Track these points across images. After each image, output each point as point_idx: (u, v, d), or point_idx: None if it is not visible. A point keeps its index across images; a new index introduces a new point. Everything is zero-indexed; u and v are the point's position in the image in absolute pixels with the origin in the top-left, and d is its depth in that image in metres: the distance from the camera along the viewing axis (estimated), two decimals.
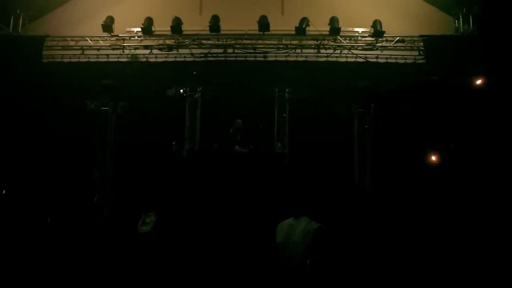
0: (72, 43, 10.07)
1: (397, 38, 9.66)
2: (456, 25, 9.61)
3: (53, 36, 9.97)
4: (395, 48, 9.75)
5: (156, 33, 9.88)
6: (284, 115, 9.98)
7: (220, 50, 9.92)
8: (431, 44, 9.27)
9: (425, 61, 9.43)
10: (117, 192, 9.96)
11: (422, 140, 8.76)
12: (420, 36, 9.47)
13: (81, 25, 10.38)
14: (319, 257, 3.67)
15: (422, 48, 9.51)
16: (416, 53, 9.67)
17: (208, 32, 9.68)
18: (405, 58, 9.77)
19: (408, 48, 9.72)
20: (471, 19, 9.25)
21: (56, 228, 7.89)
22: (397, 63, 9.77)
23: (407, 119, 9.12)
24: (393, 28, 9.66)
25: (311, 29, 9.56)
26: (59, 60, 10.09)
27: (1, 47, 9.39)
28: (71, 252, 6.25)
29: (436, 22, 9.81)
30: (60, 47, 10.05)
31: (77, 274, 5.21)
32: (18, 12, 10.02)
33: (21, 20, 10.09)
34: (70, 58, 10.12)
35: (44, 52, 9.81)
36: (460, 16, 9.49)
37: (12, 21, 9.98)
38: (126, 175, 9.80)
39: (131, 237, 7.80)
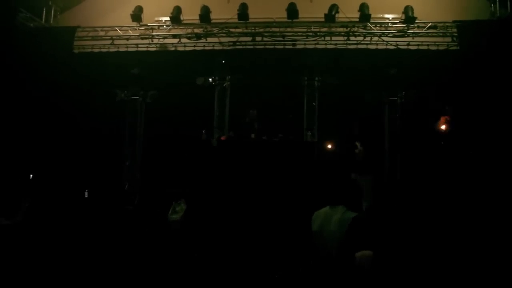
0: (102, 33, 10.17)
1: (429, 24, 9.37)
2: (492, 9, 9.22)
3: (84, 27, 10.10)
4: (427, 35, 9.47)
5: (185, 22, 9.86)
6: (314, 103, 9.91)
7: (249, 38, 9.83)
8: (465, 29, 8.93)
9: (458, 47, 9.12)
10: (147, 180, 10.12)
11: (454, 129, 8.57)
12: (454, 21, 9.12)
13: (111, 15, 10.45)
14: (351, 246, 3.62)
15: (456, 34, 9.19)
16: (449, 39, 9.38)
17: (236, 20, 9.60)
18: (438, 45, 9.48)
19: (440, 34, 9.43)
20: (508, 3, 8.89)
21: (88, 214, 8.03)
22: (429, 50, 9.48)
23: (438, 108, 8.95)
24: (425, 14, 9.38)
25: (340, 16, 9.36)
26: (90, 50, 10.22)
27: (34, 38, 9.56)
28: (100, 238, 6.34)
29: (471, 7, 9.45)
30: (90, 38, 10.18)
31: (105, 259, 5.29)
32: (50, 4, 10.19)
33: (52, 11, 10.26)
34: (100, 48, 10.23)
35: (75, 43, 9.96)
36: (497, 0, 9.12)
37: (44, 12, 10.15)
38: (156, 163, 9.93)
39: (160, 225, 7.90)
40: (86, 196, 9.03)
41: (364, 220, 3.62)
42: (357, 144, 9.00)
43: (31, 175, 8.79)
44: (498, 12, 9.08)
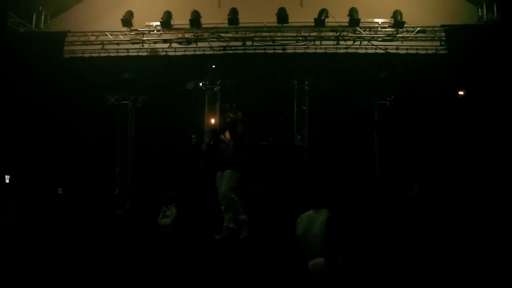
0: (92, 38, 10.19)
1: (418, 28, 9.47)
2: (480, 13, 9.35)
3: (74, 32, 10.09)
4: (416, 39, 9.58)
5: (175, 27, 9.91)
6: (304, 107, 9.95)
7: (239, 43, 9.89)
8: (453, 33, 9.02)
9: (447, 51, 9.22)
10: (138, 184, 10.10)
11: (445, 133, 8.62)
12: (442, 26, 9.22)
13: (101, 20, 10.49)
14: (329, 245, 3.65)
15: (444, 38, 9.29)
16: (437, 43, 9.49)
17: (226, 25, 9.66)
18: (426, 49, 9.60)
19: (429, 38, 9.54)
20: (495, 7, 9.00)
21: (77, 218, 8.02)
22: (418, 54, 9.61)
23: (428, 111, 9.00)
24: (413, 19, 9.50)
25: (330, 21, 9.46)
26: (80, 55, 10.21)
27: (24, 43, 9.54)
28: (90, 241, 6.34)
29: (458, 11, 9.58)
30: (80, 42, 10.19)
31: (95, 262, 5.29)
32: (40, 8, 10.14)
33: (43, 16, 10.22)
34: (90, 53, 10.23)
35: (65, 48, 9.90)
36: (484, 4, 9.21)
37: (34, 17, 10.11)
38: (147, 168, 9.92)
39: (151, 229, 7.89)
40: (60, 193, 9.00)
41: (337, 219, 3.67)
42: None
43: (7, 177, 8.71)
44: (485, 16, 9.20)
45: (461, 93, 8.42)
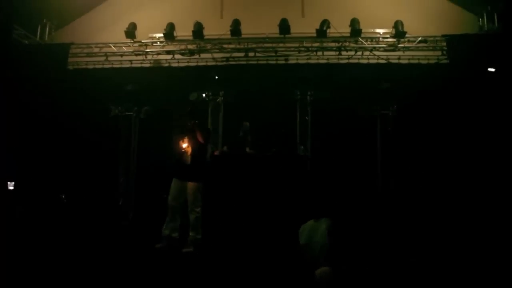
0: (96, 50, 10.27)
1: (419, 38, 9.53)
2: (480, 23, 9.39)
3: (78, 44, 10.17)
4: (417, 49, 9.63)
5: (178, 38, 9.99)
6: (306, 117, 9.99)
7: (242, 54, 9.95)
8: (454, 43, 9.06)
9: (448, 61, 9.26)
10: (141, 195, 10.11)
11: (447, 143, 8.63)
12: (443, 35, 9.26)
13: (105, 32, 10.56)
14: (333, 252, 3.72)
15: (445, 48, 9.33)
16: (439, 53, 9.53)
17: (229, 36, 9.73)
18: (428, 59, 9.63)
19: (430, 48, 9.59)
20: (495, 17, 9.06)
21: (82, 230, 8.04)
22: (419, 63, 9.64)
23: (431, 121, 9.02)
24: (415, 29, 9.55)
25: (332, 31, 9.51)
26: (84, 66, 10.31)
27: (29, 55, 9.63)
28: (94, 251, 6.37)
29: (459, 21, 9.64)
30: (84, 54, 10.27)
31: (99, 271, 5.31)
32: (44, 21, 10.25)
33: (47, 28, 10.31)
34: (94, 64, 10.33)
35: (70, 59, 10.00)
36: (484, 14, 9.26)
37: (39, 30, 10.23)
38: (150, 179, 9.93)
39: (155, 239, 7.88)
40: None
41: (337, 225, 3.74)
42: None
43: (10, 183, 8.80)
44: (486, 26, 9.25)
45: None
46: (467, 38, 9.00)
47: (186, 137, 6.71)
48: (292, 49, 9.86)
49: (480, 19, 9.44)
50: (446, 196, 8.13)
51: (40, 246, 6.45)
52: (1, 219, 7.46)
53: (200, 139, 6.66)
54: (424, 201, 8.45)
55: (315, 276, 3.55)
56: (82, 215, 8.87)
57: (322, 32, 9.48)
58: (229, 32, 9.65)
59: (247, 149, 8.80)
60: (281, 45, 9.88)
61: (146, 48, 10.19)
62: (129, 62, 10.29)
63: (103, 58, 10.26)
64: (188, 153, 6.68)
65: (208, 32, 9.81)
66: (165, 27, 9.82)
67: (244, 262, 5.83)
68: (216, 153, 8.95)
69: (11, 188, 8.79)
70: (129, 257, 6.21)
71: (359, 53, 9.76)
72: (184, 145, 6.67)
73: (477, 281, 4.70)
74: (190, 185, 6.60)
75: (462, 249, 6.08)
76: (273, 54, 9.92)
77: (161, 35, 9.95)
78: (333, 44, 9.74)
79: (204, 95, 10.27)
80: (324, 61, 9.90)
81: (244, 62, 10.01)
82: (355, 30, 9.40)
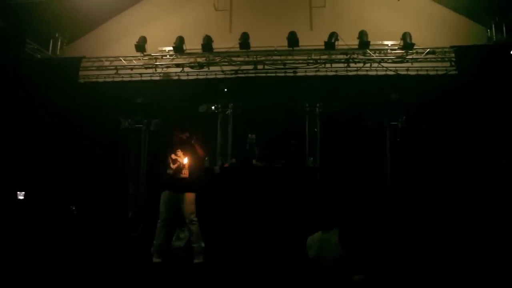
0: (106, 63, 10.41)
1: (428, 49, 9.54)
2: (489, 34, 9.40)
3: (89, 57, 10.33)
4: (426, 60, 9.63)
5: (188, 51, 10.07)
6: (315, 129, 10.00)
7: (250, 67, 10.03)
8: (462, 54, 9.04)
9: (457, 72, 9.25)
10: (151, 207, 10.12)
11: (456, 154, 8.59)
12: (451, 47, 9.26)
13: (115, 45, 10.70)
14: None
15: (454, 59, 9.34)
16: (447, 64, 9.54)
17: (238, 49, 9.80)
18: (437, 70, 9.63)
19: (439, 59, 9.59)
20: (504, 28, 9.05)
21: (91, 241, 8.09)
22: (428, 75, 9.64)
23: (440, 132, 9.00)
24: (423, 40, 9.55)
25: (340, 43, 9.53)
26: (95, 80, 10.45)
27: (41, 69, 9.76)
28: (104, 262, 6.41)
29: (468, 32, 9.63)
30: (95, 68, 10.42)
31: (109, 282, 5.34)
32: (56, 35, 10.45)
33: (59, 43, 10.50)
34: (104, 77, 10.47)
35: (80, 73, 10.13)
36: (493, 25, 9.26)
37: (51, 44, 10.43)
38: (160, 191, 9.94)
39: (164, 252, 7.89)
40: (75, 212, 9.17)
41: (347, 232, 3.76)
42: None
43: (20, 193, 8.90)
44: (494, 37, 9.24)
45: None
46: (476, 49, 8.99)
47: (180, 151, 6.76)
48: (301, 61, 9.91)
49: (489, 30, 9.44)
50: (455, 206, 8.07)
51: (51, 255, 6.51)
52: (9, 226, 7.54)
53: (201, 152, 6.79)
54: (434, 211, 8.40)
55: (353, 282, 3.61)
56: (92, 227, 8.92)
57: (330, 44, 9.51)
58: (238, 45, 9.71)
59: (254, 161, 8.81)
60: (289, 57, 9.93)
61: (155, 61, 10.31)
62: (139, 75, 10.40)
63: (113, 72, 10.39)
64: (186, 166, 6.72)
65: (217, 46, 9.90)
66: (174, 41, 9.90)
67: (254, 273, 5.82)
68: (226, 165, 8.98)
69: (21, 198, 8.88)
70: (138, 269, 6.24)
71: (368, 65, 9.78)
72: (185, 159, 6.71)
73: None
74: (189, 196, 6.62)
75: (475, 259, 6.03)
76: (282, 66, 9.97)
77: (171, 48, 10.04)
78: (341, 56, 9.78)
79: (213, 107, 10.35)
80: (333, 73, 9.94)
81: (253, 75, 10.08)
82: (363, 42, 9.42)
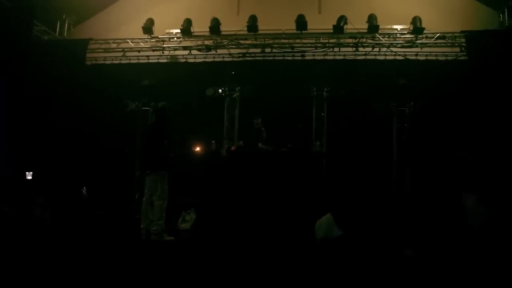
0: (114, 45, 10.38)
1: (438, 34, 9.39)
2: (501, 19, 9.25)
3: (96, 39, 10.30)
4: (435, 45, 9.51)
5: (195, 34, 10.02)
6: (322, 114, 9.98)
7: (258, 50, 9.97)
8: (473, 39, 8.89)
9: (467, 57, 9.11)
10: None
11: (465, 140, 8.53)
12: (462, 31, 9.11)
13: (123, 27, 10.71)
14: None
15: (464, 44, 9.17)
16: (457, 49, 9.41)
17: (246, 32, 9.74)
18: (446, 55, 9.54)
19: (449, 44, 9.46)
20: None
21: (99, 221, 8.18)
22: (437, 60, 9.55)
23: (448, 118, 8.93)
24: (433, 25, 9.43)
25: (349, 27, 9.44)
26: (102, 62, 10.44)
27: (48, 51, 9.76)
28: (110, 243, 6.47)
29: (479, 17, 9.49)
30: (102, 50, 10.39)
31: (115, 263, 5.39)
32: (63, 17, 10.45)
33: (66, 24, 10.52)
34: (112, 60, 10.45)
35: (88, 55, 10.13)
36: (505, 9, 9.10)
37: (58, 26, 10.43)
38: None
39: (170, 233, 7.96)
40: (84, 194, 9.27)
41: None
42: None
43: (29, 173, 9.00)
44: (507, 22, 9.09)
45: None
46: (487, 34, 8.83)
47: None
48: (309, 45, 9.83)
49: (501, 15, 9.29)
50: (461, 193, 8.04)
51: (63, 235, 6.62)
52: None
53: None
54: (438, 198, 8.37)
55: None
56: (100, 208, 9.00)
57: (339, 28, 9.42)
58: (245, 28, 9.64)
59: (260, 145, 8.81)
60: (297, 41, 9.85)
61: (163, 44, 10.26)
62: (146, 58, 10.36)
63: (121, 54, 10.36)
64: None
65: (225, 28, 9.83)
66: (182, 23, 9.85)
67: (259, 257, 5.86)
68: (233, 148, 8.99)
69: (29, 178, 8.95)
70: (143, 249, 6.31)
71: (376, 49, 9.70)
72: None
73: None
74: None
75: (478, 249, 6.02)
76: (290, 50, 9.90)
77: (178, 30, 10.00)
78: (350, 40, 9.68)
79: (220, 90, 10.35)
80: (341, 57, 9.87)
81: (261, 58, 10.04)
82: (373, 26, 9.32)
